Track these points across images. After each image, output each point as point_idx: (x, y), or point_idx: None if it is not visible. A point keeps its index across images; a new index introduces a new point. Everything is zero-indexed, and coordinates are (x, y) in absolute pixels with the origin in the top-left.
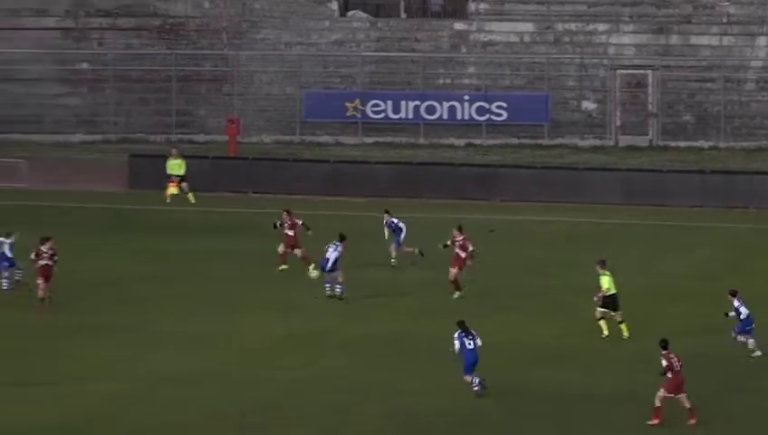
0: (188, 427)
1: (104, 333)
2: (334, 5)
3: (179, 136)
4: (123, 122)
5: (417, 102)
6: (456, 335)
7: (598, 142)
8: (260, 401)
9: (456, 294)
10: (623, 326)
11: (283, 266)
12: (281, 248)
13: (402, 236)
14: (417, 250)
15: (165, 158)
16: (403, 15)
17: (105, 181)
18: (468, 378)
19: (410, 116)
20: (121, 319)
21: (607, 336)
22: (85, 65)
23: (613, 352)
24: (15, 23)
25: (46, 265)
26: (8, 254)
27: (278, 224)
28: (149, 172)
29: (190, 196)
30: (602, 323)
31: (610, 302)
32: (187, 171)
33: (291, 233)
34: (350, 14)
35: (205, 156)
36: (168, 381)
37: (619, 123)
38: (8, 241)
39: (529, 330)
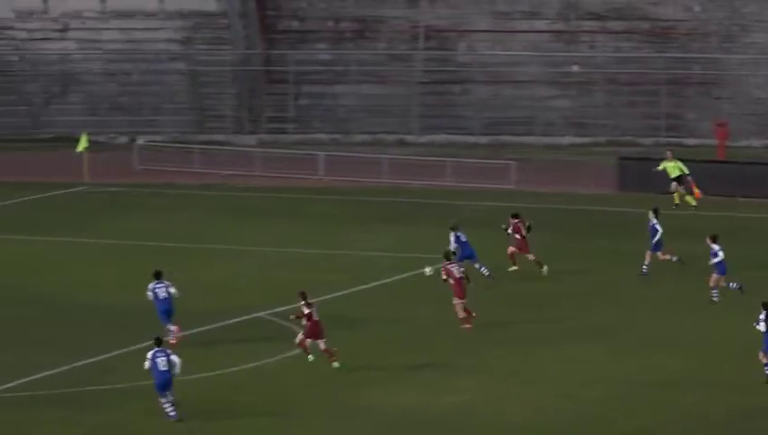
0: (673, 429)
1: (586, 336)
2: None
3: (668, 139)
4: (612, 125)
5: None
6: (763, 316)
7: None
8: (746, 407)
9: None
10: None
11: (513, 268)
12: (510, 249)
13: (655, 241)
14: (676, 258)
15: (653, 160)
16: None
17: (593, 184)
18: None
19: None
20: (601, 322)
21: None
22: (575, 68)
23: None
24: (508, 25)
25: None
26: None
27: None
28: (639, 175)
29: (689, 199)
30: None
31: None
32: (685, 173)
33: (518, 236)
34: None
35: (693, 159)
36: (648, 383)
37: None
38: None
39: None
